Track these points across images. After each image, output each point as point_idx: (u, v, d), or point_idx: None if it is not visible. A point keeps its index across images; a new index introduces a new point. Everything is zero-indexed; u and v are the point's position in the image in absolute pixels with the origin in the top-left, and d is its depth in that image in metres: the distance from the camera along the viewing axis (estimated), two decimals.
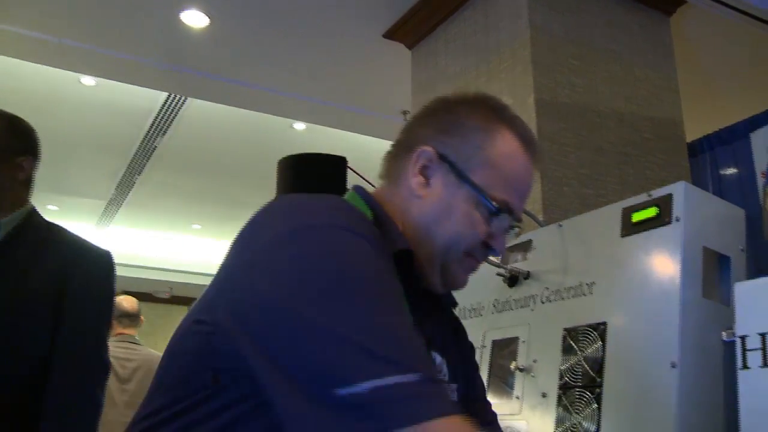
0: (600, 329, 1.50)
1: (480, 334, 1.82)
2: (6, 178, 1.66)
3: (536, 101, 2.96)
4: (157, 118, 5.59)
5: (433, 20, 3.70)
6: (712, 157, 3.59)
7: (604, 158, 3.08)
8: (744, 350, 1.27)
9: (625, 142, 3.18)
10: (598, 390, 1.46)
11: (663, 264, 1.43)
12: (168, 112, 5.50)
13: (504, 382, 1.73)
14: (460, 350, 1.17)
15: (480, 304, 1.89)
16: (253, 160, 6.20)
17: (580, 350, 1.53)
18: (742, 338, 1.28)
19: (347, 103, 4.93)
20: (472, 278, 1.08)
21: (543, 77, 3.02)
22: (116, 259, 1.77)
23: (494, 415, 1.21)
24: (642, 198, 1.54)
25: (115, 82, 4.84)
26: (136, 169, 6.64)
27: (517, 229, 1.06)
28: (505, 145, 1.02)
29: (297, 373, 0.76)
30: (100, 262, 1.73)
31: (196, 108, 5.42)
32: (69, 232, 1.74)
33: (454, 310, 1.21)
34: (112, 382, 3.07)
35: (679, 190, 1.46)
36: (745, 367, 1.26)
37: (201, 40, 4.15)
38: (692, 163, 3.45)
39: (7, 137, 1.68)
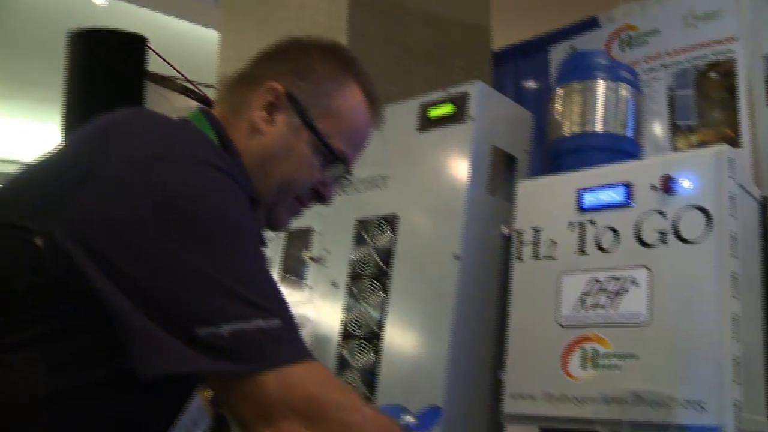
0: (391, 221, 1.54)
1: None
2: None
3: None
4: None
5: None
6: (514, 68, 3.73)
7: (411, 57, 3.10)
8: (519, 244, 1.35)
9: (433, 43, 3.21)
10: (386, 280, 1.50)
11: (454, 161, 1.48)
12: None
13: (296, 272, 1.74)
14: None
15: None
16: (45, 35, 5.65)
17: (372, 241, 1.56)
18: (519, 232, 1.36)
19: None
20: None
21: None
22: None
23: None
24: (440, 95, 1.56)
25: None
26: None
27: (347, 181, 1.07)
28: (352, 98, 1.02)
29: (156, 308, 0.72)
30: None
31: None
32: None
33: None
34: None
35: (475, 90, 1.50)
36: (519, 259, 1.35)
37: None
38: (496, 71, 3.58)
39: None
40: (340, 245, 1.64)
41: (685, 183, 1.17)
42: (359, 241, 1.59)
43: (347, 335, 1.53)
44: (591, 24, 2.59)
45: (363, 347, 1.49)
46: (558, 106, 1.55)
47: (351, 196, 1.65)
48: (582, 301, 1.23)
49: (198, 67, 2.74)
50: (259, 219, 1.01)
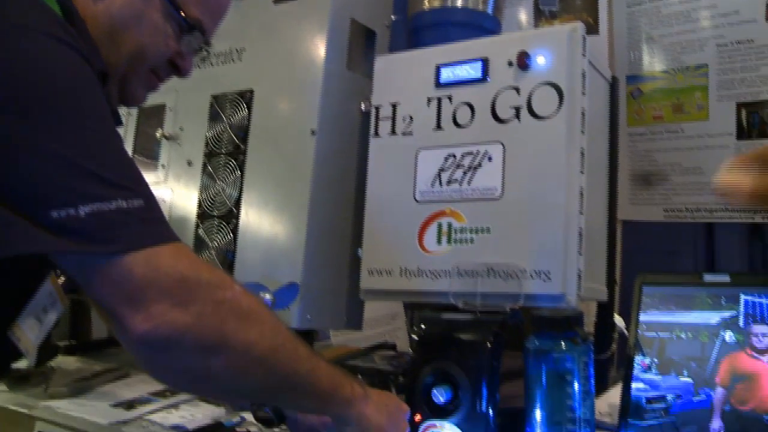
0: (247, 97, 1.47)
1: None
2: None
3: None
4: None
5: None
6: None
7: None
8: (377, 119, 1.33)
9: None
10: (242, 157, 1.45)
11: (311, 34, 1.42)
12: None
13: (149, 151, 1.66)
14: None
15: None
16: None
17: (227, 118, 1.50)
18: (377, 108, 1.34)
19: None
20: None
21: None
22: None
23: None
24: None
25: None
26: None
27: (205, 53, 0.98)
28: None
29: (4, 192, 0.66)
30: None
31: None
32: None
33: None
34: None
35: None
36: (376, 134, 1.33)
37: None
38: None
39: None
40: (195, 122, 1.57)
41: (540, 59, 1.18)
42: (214, 117, 1.52)
43: (204, 215, 1.49)
44: None
45: (220, 226, 1.45)
46: None
47: (205, 70, 1.56)
48: (438, 177, 1.23)
49: None
50: (111, 95, 0.93)
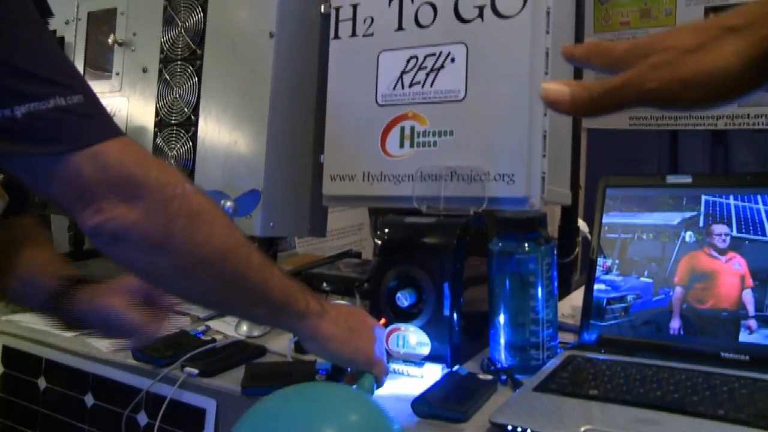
0: (201, 0, 1.41)
1: (72, 5, 1.63)
2: None
3: None
4: None
5: None
6: None
7: None
8: (337, 21, 1.29)
9: None
10: (198, 63, 1.41)
11: None
12: None
13: (102, 59, 1.59)
14: None
15: None
16: None
17: (182, 22, 1.44)
18: (337, 9, 1.29)
19: None
20: None
21: None
22: None
23: None
24: None
25: None
26: None
27: None
28: None
29: None
30: None
31: None
32: None
33: None
34: None
35: None
36: (336, 37, 1.29)
37: None
38: None
39: None
40: (148, 27, 1.50)
41: None
42: (168, 21, 1.46)
43: (161, 123, 1.45)
44: None
45: (178, 135, 1.42)
46: None
47: None
48: (400, 79, 1.21)
49: None
50: None
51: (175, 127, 1.43)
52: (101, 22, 1.61)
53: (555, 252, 1.07)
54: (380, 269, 1.12)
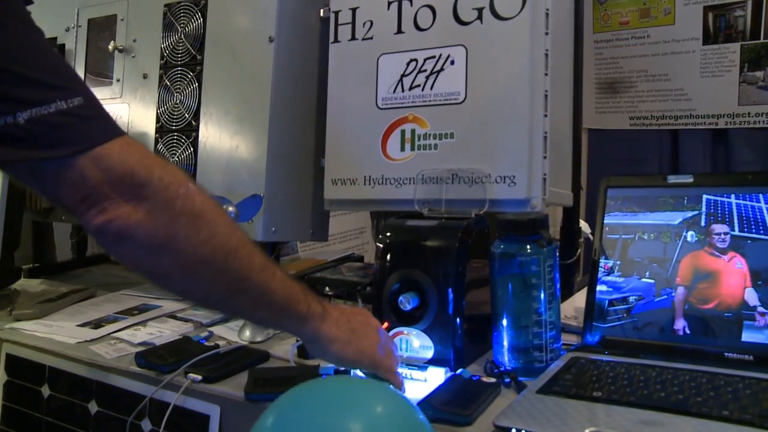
0: (201, 4, 1.42)
1: (72, 12, 1.63)
2: None
3: None
4: None
5: None
6: None
7: None
8: (336, 25, 1.29)
9: None
10: (199, 68, 1.41)
11: None
12: None
13: (102, 65, 1.60)
14: None
15: None
16: None
17: (181, 27, 1.44)
18: (336, 13, 1.29)
19: None
20: None
21: None
22: None
23: None
24: None
25: None
26: None
27: None
28: None
29: None
30: None
31: None
32: None
33: None
34: None
35: None
36: (336, 41, 1.29)
37: None
38: None
39: None
40: (148, 33, 1.51)
41: None
42: (168, 27, 1.47)
43: (162, 129, 1.45)
44: None
45: (179, 140, 1.42)
46: None
47: None
48: (400, 82, 1.21)
49: None
50: None
51: (176, 133, 1.43)
52: (101, 29, 1.61)
53: (557, 253, 1.07)
54: (382, 273, 1.12)
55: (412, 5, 1.21)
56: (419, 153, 1.19)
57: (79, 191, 0.70)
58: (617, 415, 0.83)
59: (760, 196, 1.04)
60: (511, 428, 0.81)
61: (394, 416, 0.75)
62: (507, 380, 1.00)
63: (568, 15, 1.32)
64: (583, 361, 1.03)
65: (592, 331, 1.10)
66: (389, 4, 1.23)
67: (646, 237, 1.11)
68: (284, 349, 1.16)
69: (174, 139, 1.43)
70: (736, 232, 1.04)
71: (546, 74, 1.13)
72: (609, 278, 1.12)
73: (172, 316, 1.39)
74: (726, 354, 0.99)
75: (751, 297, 1.01)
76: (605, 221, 1.15)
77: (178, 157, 1.41)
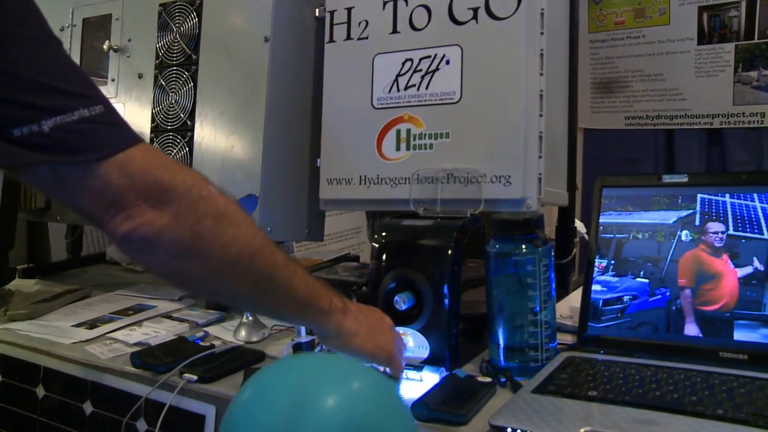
0: (196, 4, 1.42)
1: (67, 12, 1.63)
2: None
3: None
4: None
5: None
6: None
7: None
8: (332, 24, 1.29)
9: None
10: (194, 68, 1.41)
11: None
12: None
13: (97, 65, 1.59)
14: None
15: None
16: None
17: (176, 27, 1.44)
18: (331, 13, 1.29)
19: None
20: None
21: None
22: None
23: None
24: None
25: None
26: None
27: None
28: None
29: None
30: None
31: None
32: None
33: None
34: None
35: None
36: (331, 40, 1.29)
37: None
38: None
39: None
40: (143, 33, 1.50)
41: None
42: (163, 27, 1.46)
43: (157, 129, 1.45)
44: None
45: (174, 140, 1.41)
46: None
47: None
48: (395, 82, 1.21)
49: None
50: None
51: (171, 133, 1.42)
52: (96, 29, 1.61)
53: (552, 253, 1.07)
54: (378, 272, 1.12)
55: (407, 5, 1.21)
56: (414, 153, 1.19)
57: (103, 198, 0.70)
58: (613, 414, 0.83)
59: (755, 195, 1.04)
60: (507, 428, 0.81)
61: (372, 387, 0.75)
62: (502, 380, 1.00)
63: (564, 15, 1.32)
64: (578, 360, 1.03)
65: (587, 330, 1.11)
66: (384, 3, 1.23)
67: (640, 236, 1.12)
68: (279, 349, 1.16)
69: (169, 139, 1.42)
70: (731, 231, 1.04)
71: (541, 74, 1.13)
72: (603, 278, 1.13)
73: (168, 316, 1.39)
74: (721, 353, 0.99)
75: (745, 296, 1.01)
76: (600, 220, 1.15)
77: (173, 157, 1.40)
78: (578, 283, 1.37)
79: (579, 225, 1.43)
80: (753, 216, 1.04)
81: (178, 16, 1.44)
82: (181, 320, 1.36)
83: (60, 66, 0.70)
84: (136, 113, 1.49)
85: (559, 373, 0.98)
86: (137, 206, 0.71)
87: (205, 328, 1.31)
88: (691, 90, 1.91)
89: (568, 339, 1.16)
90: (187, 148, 1.39)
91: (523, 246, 1.03)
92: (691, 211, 1.08)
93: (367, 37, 1.25)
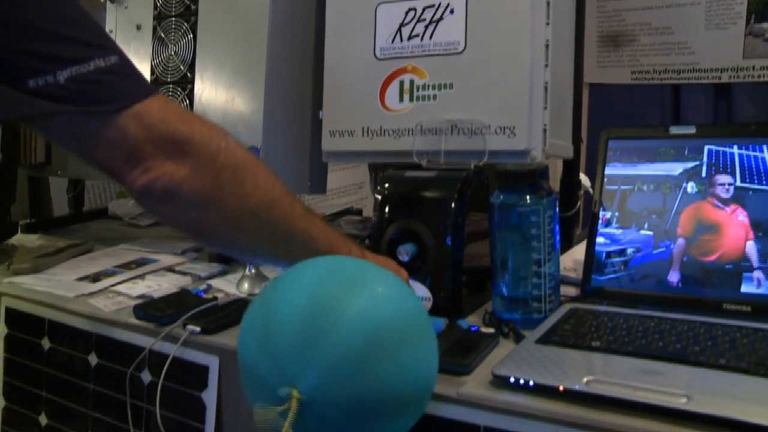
0: None
1: None
2: None
3: None
4: None
5: None
6: None
7: None
8: None
9: None
10: (193, 18, 1.38)
11: None
12: None
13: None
14: None
15: None
16: None
17: None
18: None
19: None
20: None
21: None
22: None
23: None
24: None
25: None
26: None
27: None
28: None
29: None
30: None
31: None
32: None
33: None
34: None
35: None
36: None
37: None
38: None
39: None
40: None
41: None
42: None
43: (157, 81, 1.43)
44: None
45: (175, 93, 1.40)
46: None
47: None
48: (398, 32, 1.18)
49: None
50: None
51: (171, 85, 1.41)
52: None
53: (557, 205, 1.06)
54: (380, 224, 1.11)
55: None
56: (418, 104, 1.17)
57: (121, 151, 0.70)
58: (615, 364, 0.83)
59: (764, 146, 1.03)
60: (510, 377, 0.81)
61: (395, 292, 0.74)
62: (506, 331, 1.00)
63: None
64: (581, 311, 1.03)
65: (591, 282, 1.10)
66: None
67: (645, 188, 1.11)
68: None
69: (169, 91, 1.41)
70: (739, 183, 1.03)
71: (547, 23, 1.11)
72: (607, 230, 1.12)
73: (170, 269, 1.39)
74: (725, 305, 0.99)
75: (752, 249, 1.01)
76: (605, 172, 1.14)
77: None
78: (582, 237, 1.36)
79: (584, 178, 1.42)
80: (762, 167, 1.02)
81: None
82: (184, 273, 1.36)
83: (74, 16, 0.70)
84: (135, 66, 1.47)
85: (563, 324, 0.98)
86: (156, 158, 0.71)
87: (208, 281, 1.31)
88: (700, 43, 1.88)
89: (571, 291, 1.16)
90: (187, 101, 1.38)
91: (528, 197, 1.03)
92: (698, 162, 1.07)
93: None
